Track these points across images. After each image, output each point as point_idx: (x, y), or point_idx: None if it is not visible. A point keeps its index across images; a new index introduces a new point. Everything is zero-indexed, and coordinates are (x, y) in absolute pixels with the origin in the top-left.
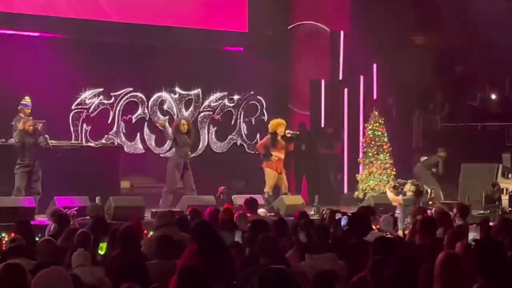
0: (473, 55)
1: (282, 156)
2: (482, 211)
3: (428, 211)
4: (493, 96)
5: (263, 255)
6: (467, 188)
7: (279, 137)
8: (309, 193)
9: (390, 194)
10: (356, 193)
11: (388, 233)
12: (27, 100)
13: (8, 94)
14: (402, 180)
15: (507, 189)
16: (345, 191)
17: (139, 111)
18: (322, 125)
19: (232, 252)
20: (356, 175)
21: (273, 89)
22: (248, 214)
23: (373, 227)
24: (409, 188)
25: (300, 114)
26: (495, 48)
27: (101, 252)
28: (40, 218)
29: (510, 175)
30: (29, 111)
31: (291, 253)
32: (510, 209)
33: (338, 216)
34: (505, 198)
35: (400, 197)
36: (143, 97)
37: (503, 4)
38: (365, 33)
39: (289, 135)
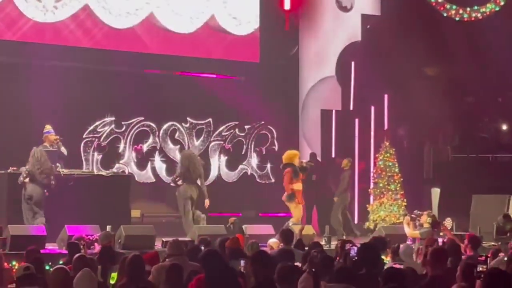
0: (483, 86)
1: (301, 187)
2: (493, 243)
3: (440, 242)
4: (504, 127)
5: (281, 283)
6: (478, 219)
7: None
8: (319, 223)
9: (407, 229)
10: (367, 223)
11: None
12: (48, 128)
13: (22, 122)
14: (418, 212)
15: None
16: (356, 221)
17: (150, 140)
18: (333, 156)
19: (240, 281)
20: (367, 205)
21: (284, 119)
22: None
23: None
24: (425, 220)
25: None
26: (505, 79)
27: (112, 281)
28: (51, 247)
29: None
30: (54, 137)
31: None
32: None
33: (347, 246)
34: None
35: (417, 231)
36: (154, 126)
37: None
38: (377, 64)
39: (304, 165)
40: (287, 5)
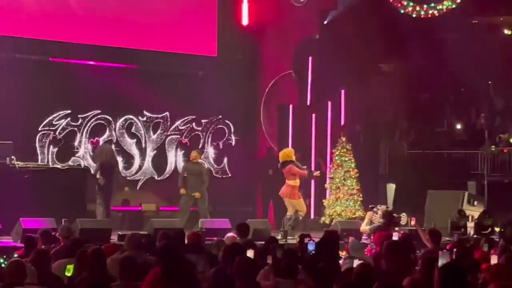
0: (439, 83)
1: (298, 182)
2: (448, 238)
3: (395, 237)
4: (459, 124)
5: (240, 277)
6: (433, 215)
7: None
8: (276, 217)
9: (363, 224)
10: (323, 218)
11: (357, 259)
12: None
13: None
14: (380, 206)
15: (472, 216)
16: (312, 216)
17: (107, 133)
18: None
19: (196, 274)
20: (323, 200)
21: (241, 113)
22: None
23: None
24: (379, 216)
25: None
26: (461, 76)
27: (68, 274)
28: (5, 240)
29: (475, 203)
30: None
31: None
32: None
33: (306, 240)
34: (470, 225)
35: (367, 226)
36: (111, 119)
37: (469, 34)
38: (334, 59)
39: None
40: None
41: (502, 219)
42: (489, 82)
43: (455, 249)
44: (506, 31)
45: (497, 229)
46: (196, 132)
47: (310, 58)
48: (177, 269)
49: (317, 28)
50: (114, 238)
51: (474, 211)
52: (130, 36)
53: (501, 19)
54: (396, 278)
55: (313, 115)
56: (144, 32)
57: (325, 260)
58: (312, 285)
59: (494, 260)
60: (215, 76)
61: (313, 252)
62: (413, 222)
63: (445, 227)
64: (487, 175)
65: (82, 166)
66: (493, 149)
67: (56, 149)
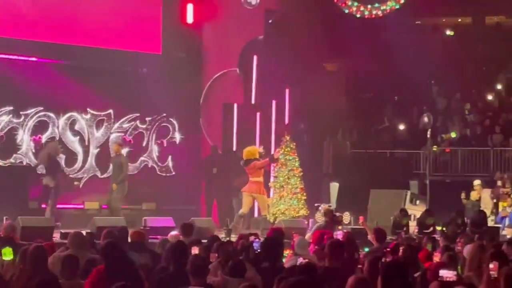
0: (383, 83)
1: (261, 179)
2: (390, 237)
3: (339, 235)
4: (401, 124)
5: (192, 274)
6: (376, 213)
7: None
8: (220, 216)
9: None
10: (267, 216)
11: (302, 257)
12: None
13: None
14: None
15: (414, 215)
16: (256, 215)
17: (50, 130)
18: (234, 149)
19: (140, 273)
20: (267, 199)
21: (186, 111)
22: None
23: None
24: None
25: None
26: (404, 77)
27: (5, 257)
28: None
29: (417, 202)
30: None
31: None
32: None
33: (251, 239)
34: (412, 224)
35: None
36: (54, 116)
37: (413, 34)
38: (278, 58)
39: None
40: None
41: (444, 218)
42: (432, 81)
43: (401, 248)
44: (448, 32)
45: (438, 228)
46: (140, 130)
47: (254, 57)
48: (120, 267)
49: (262, 28)
50: (56, 236)
51: (416, 210)
52: (74, 33)
53: (444, 20)
54: (340, 276)
55: (258, 114)
56: (88, 29)
57: (270, 259)
58: (260, 283)
59: (436, 259)
60: (159, 74)
61: (259, 251)
62: (361, 221)
63: (387, 226)
64: (429, 174)
65: (24, 163)
66: (435, 148)
67: None
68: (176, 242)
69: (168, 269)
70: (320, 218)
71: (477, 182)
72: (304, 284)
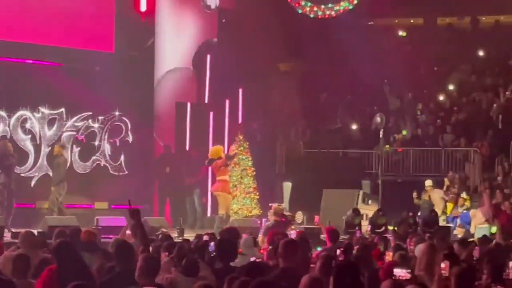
0: (336, 83)
1: (227, 178)
2: (343, 236)
3: (293, 235)
4: (354, 124)
5: (141, 274)
6: (329, 213)
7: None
8: (172, 215)
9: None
10: (219, 215)
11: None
12: None
13: None
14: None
15: (367, 215)
16: (209, 214)
17: (0, 129)
18: (187, 148)
19: (92, 273)
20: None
21: (139, 110)
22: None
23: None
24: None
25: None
26: (357, 77)
27: None
28: None
29: (370, 201)
30: None
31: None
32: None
33: (205, 238)
34: (365, 224)
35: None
36: (5, 115)
37: (366, 35)
38: (232, 58)
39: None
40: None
41: (396, 217)
42: (385, 81)
43: (356, 247)
44: (400, 33)
45: (390, 228)
46: (92, 129)
47: (208, 56)
48: (72, 266)
49: (216, 27)
50: (7, 236)
51: (368, 210)
52: (26, 31)
53: (396, 21)
54: (289, 275)
55: (211, 113)
56: (40, 26)
57: (224, 260)
58: (214, 283)
59: (388, 258)
60: (112, 73)
61: (213, 250)
62: (316, 221)
63: (340, 225)
64: (381, 174)
65: None
66: (387, 148)
67: None
68: (121, 242)
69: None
70: (271, 218)
71: (428, 182)
72: (256, 284)
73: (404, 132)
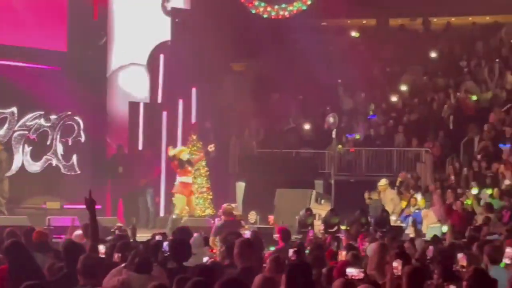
0: (290, 83)
1: (189, 180)
2: (295, 236)
3: (247, 234)
4: (307, 124)
5: (83, 274)
6: (282, 213)
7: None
8: (125, 215)
9: None
10: (173, 216)
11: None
12: None
13: None
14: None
15: (320, 215)
16: (162, 214)
17: None
18: (140, 148)
19: (44, 273)
20: (173, 198)
21: (91, 110)
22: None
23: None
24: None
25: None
26: (310, 77)
27: None
28: None
29: (322, 201)
30: None
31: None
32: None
33: (158, 238)
34: (317, 223)
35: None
36: None
37: (319, 35)
38: (186, 57)
39: (190, 159)
40: None
41: (348, 217)
42: (339, 81)
43: (308, 247)
44: (353, 34)
45: (343, 227)
46: (45, 129)
47: (161, 56)
48: (24, 266)
49: (170, 26)
50: None
51: (321, 210)
52: None
53: (349, 21)
54: (248, 275)
55: (164, 113)
56: None
57: (177, 259)
58: (166, 282)
59: (341, 257)
60: (65, 72)
61: (167, 250)
62: (270, 220)
63: (293, 225)
64: (334, 174)
65: None
66: (339, 148)
67: None
68: (70, 242)
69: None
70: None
71: (382, 182)
72: (204, 284)
73: (357, 137)
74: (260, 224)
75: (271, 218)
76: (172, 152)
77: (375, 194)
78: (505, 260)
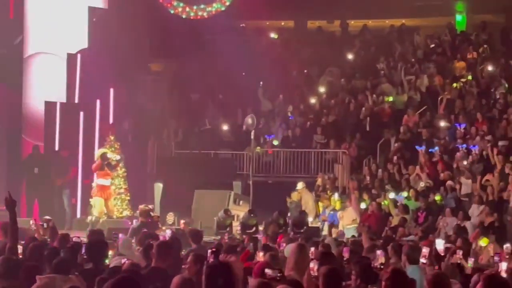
0: (209, 84)
1: (107, 182)
2: (214, 237)
3: (166, 235)
4: (225, 125)
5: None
6: (200, 214)
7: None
8: (41, 216)
9: None
10: (90, 217)
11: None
12: None
13: None
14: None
15: (238, 216)
16: (78, 215)
17: None
18: (57, 148)
19: None
20: (90, 199)
21: (6, 109)
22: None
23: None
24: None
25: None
26: (229, 78)
27: None
28: None
29: (241, 202)
30: None
31: None
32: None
33: (75, 240)
34: (236, 225)
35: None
36: None
37: (238, 36)
38: (103, 57)
39: (113, 162)
40: None
41: (266, 218)
42: (260, 83)
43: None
44: (272, 35)
45: (261, 228)
46: None
47: (78, 56)
48: None
49: (87, 25)
50: None
51: (239, 211)
52: None
53: (267, 23)
54: (166, 276)
55: (81, 113)
56: None
57: (94, 260)
58: (83, 284)
59: (259, 258)
60: None
61: (84, 252)
62: (182, 225)
63: (211, 226)
64: (252, 175)
65: None
66: (258, 150)
67: None
68: None
69: None
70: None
71: (299, 185)
72: (124, 284)
73: (275, 142)
74: (178, 225)
75: (182, 222)
76: (99, 152)
77: (294, 195)
78: (422, 260)
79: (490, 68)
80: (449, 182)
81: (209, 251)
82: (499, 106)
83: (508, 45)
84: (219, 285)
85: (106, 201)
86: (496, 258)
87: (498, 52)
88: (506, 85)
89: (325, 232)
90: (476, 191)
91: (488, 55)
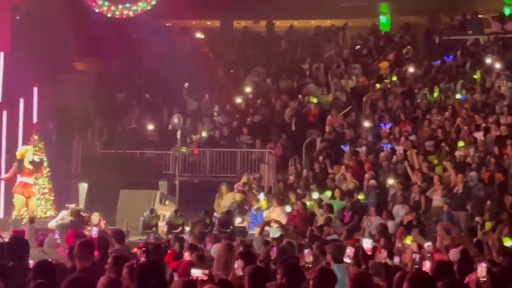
0: (133, 83)
1: (30, 180)
2: (139, 237)
3: (94, 235)
4: (151, 124)
5: None
6: (126, 214)
7: (26, 163)
8: None
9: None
10: (13, 217)
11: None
12: None
13: None
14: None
15: (164, 216)
16: (1, 215)
17: None
18: None
19: None
20: (13, 199)
21: None
22: None
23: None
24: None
25: None
26: (155, 77)
27: None
28: None
29: (167, 202)
30: None
31: None
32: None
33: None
34: (162, 224)
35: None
36: None
37: (164, 36)
38: (27, 56)
39: (38, 160)
40: None
41: (192, 218)
42: (186, 84)
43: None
44: (198, 35)
45: (187, 228)
46: None
47: (1, 54)
48: None
49: (9, 23)
50: None
51: (165, 211)
52: None
53: (193, 22)
54: (89, 276)
55: (5, 112)
56: None
57: (15, 259)
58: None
59: (185, 258)
60: None
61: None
62: (102, 226)
63: (137, 226)
64: (178, 175)
65: None
66: (184, 150)
67: None
68: None
69: None
70: (67, 218)
71: (224, 189)
72: (43, 285)
73: (203, 133)
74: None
75: (102, 222)
76: (18, 152)
77: (219, 195)
78: (346, 259)
79: (411, 69)
80: (372, 182)
81: (139, 250)
82: (422, 107)
83: (431, 46)
84: (151, 284)
85: (28, 199)
86: (414, 255)
87: (421, 53)
88: (429, 86)
89: (253, 231)
90: (399, 191)
91: (412, 56)
